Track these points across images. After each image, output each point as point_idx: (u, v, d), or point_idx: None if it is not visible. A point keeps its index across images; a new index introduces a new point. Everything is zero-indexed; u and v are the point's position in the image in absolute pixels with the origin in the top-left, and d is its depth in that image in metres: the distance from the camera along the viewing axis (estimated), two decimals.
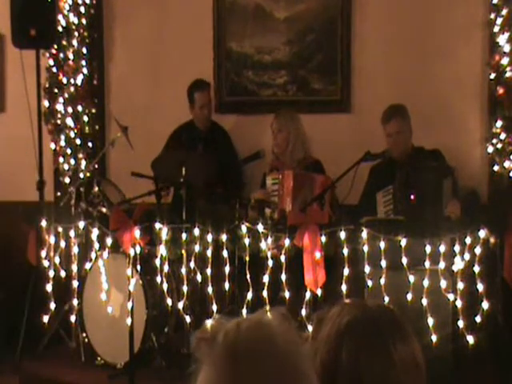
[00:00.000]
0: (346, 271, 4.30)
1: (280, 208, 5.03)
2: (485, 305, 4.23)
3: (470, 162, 5.71)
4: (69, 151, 6.13)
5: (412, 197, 4.68)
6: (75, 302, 5.06)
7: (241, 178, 5.90)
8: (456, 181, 4.92)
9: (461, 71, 5.75)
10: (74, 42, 6.10)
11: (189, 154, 5.20)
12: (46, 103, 6.04)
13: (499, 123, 5.42)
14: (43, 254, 5.06)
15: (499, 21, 5.42)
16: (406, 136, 5.14)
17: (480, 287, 4.24)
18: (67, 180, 6.11)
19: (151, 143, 5.89)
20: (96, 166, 5.98)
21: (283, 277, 4.40)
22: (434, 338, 4.17)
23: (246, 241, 4.49)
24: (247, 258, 4.47)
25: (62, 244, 5.00)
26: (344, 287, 4.28)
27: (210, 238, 4.55)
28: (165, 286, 4.72)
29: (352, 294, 4.26)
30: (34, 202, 5.43)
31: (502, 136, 5.41)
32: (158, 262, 4.68)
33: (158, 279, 4.69)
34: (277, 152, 5.47)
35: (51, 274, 5.00)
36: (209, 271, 4.56)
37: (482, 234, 4.28)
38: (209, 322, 1.27)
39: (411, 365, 1.61)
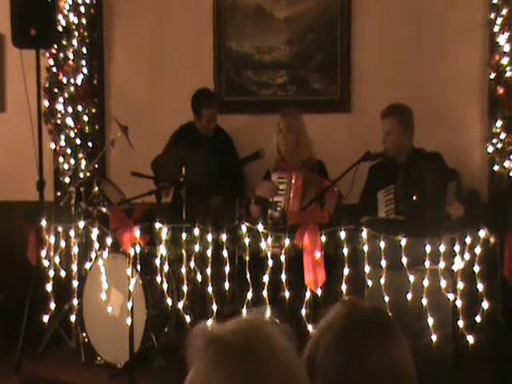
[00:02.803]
0: (346, 271, 4.30)
1: (284, 208, 5.02)
2: (485, 305, 4.24)
3: (470, 161, 5.72)
4: (69, 151, 6.13)
5: (415, 197, 4.68)
6: (75, 301, 5.06)
7: (243, 181, 5.89)
8: (461, 187, 4.89)
9: (461, 71, 5.75)
10: (74, 42, 6.10)
11: (189, 155, 5.20)
12: (46, 103, 6.03)
13: (499, 123, 5.43)
14: (43, 253, 5.06)
15: (499, 20, 5.43)
16: (397, 138, 5.08)
17: (480, 287, 4.25)
18: (67, 180, 6.10)
19: (151, 143, 5.89)
20: (96, 166, 5.98)
21: (283, 277, 4.40)
22: (434, 337, 4.18)
23: (246, 241, 4.49)
24: (247, 258, 4.47)
25: (62, 244, 5.00)
26: (344, 287, 4.28)
27: (209, 237, 4.55)
28: (165, 286, 4.72)
29: (352, 294, 4.27)
30: (34, 202, 5.42)
31: (502, 136, 5.41)
32: (157, 261, 4.68)
33: (158, 279, 4.69)
34: (285, 152, 5.37)
35: (51, 273, 5.00)
36: (209, 271, 4.56)
37: (482, 233, 4.28)
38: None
39: (387, 372, 1.58)
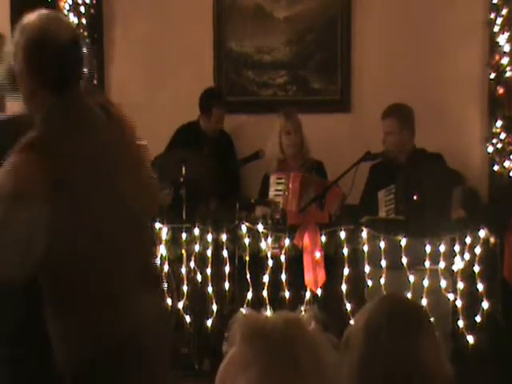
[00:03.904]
0: (346, 271, 4.30)
1: (283, 208, 5.02)
2: (485, 305, 4.24)
3: (470, 162, 5.71)
4: None
5: (415, 197, 4.67)
6: None
7: (239, 183, 5.89)
8: (466, 192, 4.87)
9: (461, 71, 5.75)
10: None
11: (190, 154, 5.19)
12: None
13: (499, 123, 5.43)
14: None
15: (499, 20, 5.43)
16: (398, 138, 5.04)
17: (480, 287, 4.25)
18: None
19: (151, 143, 5.85)
20: None
21: (283, 277, 4.41)
22: None
23: (246, 241, 4.49)
24: (247, 258, 4.48)
25: None
26: (344, 287, 4.29)
27: (209, 237, 4.56)
28: (165, 286, 4.72)
29: (352, 294, 4.27)
30: None
31: (502, 136, 5.41)
32: (157, 261, 4.68)
33: None
34: (292, 153, 5.33)
35: None
36: (209, 271, 4.57)
37: (482, 233, 4.28)
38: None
39: (410, 365, 1.60)
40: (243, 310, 1.32)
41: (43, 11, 2.39)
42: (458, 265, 4.28)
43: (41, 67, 2.30)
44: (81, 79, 2.42)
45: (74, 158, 2.28)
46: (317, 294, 4.37)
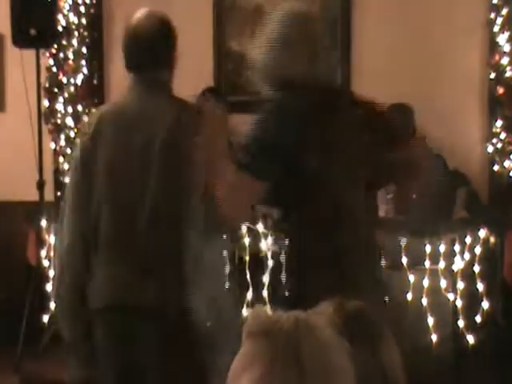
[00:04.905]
0: None
1: None
2: (485, 305, 4.24)
3: (470, 161, 5.71)
4: (69, 151, 6.13)
5: (414, 196, 4.66)
6: None
7: None
8: (471, 193, 4.86)
9: (461, 71, 5.75)
10: (74, 42, 6.10)
11: None
12: (45, 103, 6.03)
13: (499, 123, 5.43)
14: (43, 253, 5.06)
15: (499, 20, 5.43)
16: None
17: (480, 287, 4.25)
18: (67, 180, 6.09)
19: None
20: None
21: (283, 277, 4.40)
22: (434, 337, 4.18)
23: (246, 241, 4.49)
24: (247, 258, 4.47)
25: None
26: None
27: None
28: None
29: None
30: (34, 202, 5.42)
31: (502, 136, 5.41)
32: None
33: None
34: None
35: (51, 273, 5.00)
36: None
37: (482, 233, 4.28)
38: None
39: (376, 375, 1.56)
40: (256, 308, 1.30)
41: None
42: (458, 265, 4.27)
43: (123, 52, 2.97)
44: (151, 67, 2.92)
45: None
46: None
